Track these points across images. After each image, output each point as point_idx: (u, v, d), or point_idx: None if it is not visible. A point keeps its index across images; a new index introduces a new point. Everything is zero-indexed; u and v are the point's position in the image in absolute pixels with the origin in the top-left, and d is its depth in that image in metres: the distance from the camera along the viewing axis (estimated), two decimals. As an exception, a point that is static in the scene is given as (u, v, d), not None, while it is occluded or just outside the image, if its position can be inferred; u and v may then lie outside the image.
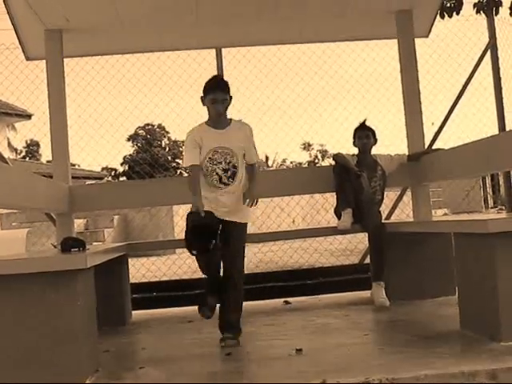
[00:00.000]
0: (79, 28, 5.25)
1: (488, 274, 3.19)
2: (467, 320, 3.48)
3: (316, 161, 41.29)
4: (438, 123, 6.72)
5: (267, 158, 33.92)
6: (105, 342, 3.75)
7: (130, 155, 37.26)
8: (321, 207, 10.64)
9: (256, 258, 9.61)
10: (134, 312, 5.06)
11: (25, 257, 3.45)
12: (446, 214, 15.42)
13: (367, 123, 5.15)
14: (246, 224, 3.85)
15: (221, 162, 3.76)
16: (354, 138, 5.13)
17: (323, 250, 9.22)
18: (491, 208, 18.20)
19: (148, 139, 39.77)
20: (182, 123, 7.52)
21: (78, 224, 14.51)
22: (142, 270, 7.87)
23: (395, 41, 5.57)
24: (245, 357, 3.42)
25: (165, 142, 40.95)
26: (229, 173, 3.77)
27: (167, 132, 39.44)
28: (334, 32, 5.93)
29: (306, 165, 34.91)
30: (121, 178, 36.59)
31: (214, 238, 3.60)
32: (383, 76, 7.44)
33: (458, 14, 5.73)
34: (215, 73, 6.05)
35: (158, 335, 4.28)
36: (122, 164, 37.52)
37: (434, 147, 6.29)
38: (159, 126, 38.86)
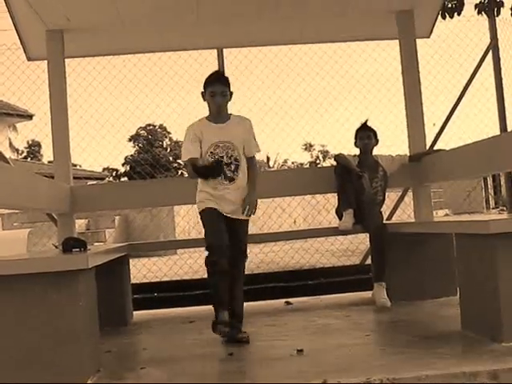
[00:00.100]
0: (80, 28, 5.25)
1: (489, 274, 3.19)
2: (468, 320, 3.48)
3: (317, 161, 41.29)
4: (440, 124, 6.73)
5: (268, 158, 33.95)
6: (106, 343, 3.75)
7: (131, 156, 37.27)
8: (322, 208, 10.63)
9: (257, 258, 9.61)
10: (135, 312, 5.06)
11: (26, 257, 3.45)
12: (447, 215, 15.41)
13: (369, 124, 5.14)
14: (248, 219, 3.89)
15: (222, 156, 3.77)
16: (356, 138, 5.13)
17: (324, 251, 9.22)
18: (492, 209, 18.18)
19: (149, 140, 39.76)
20: (183, 123, 7.49)
21: (80, 224, 14.53)
22: (143, 270, 7.88)
23: (396, 41, 5.56)
24: (246, 357, 3.42)
25: (166, 142, 40.94)
26: (232, 166, 3.78)
27: (168, 132, 39.45)
28: (335, 32, 5.93)
29: (308, 165, 34.93)
30: (122, 179, 36.59)
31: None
32: (384, 76, 7.45)
33: (459, 14, 5.73)
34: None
35: (160, 335, 4.28)
36: (123, 164, 37.53)
37: (435, 148, 6.29)
38: (160, 126, 38.86)
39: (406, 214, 7.84)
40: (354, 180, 4.83)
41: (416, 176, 5.27)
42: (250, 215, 3.81)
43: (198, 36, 5.68)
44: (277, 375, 2.87)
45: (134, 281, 5.51)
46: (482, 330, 3.27)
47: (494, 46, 6.75)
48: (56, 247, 4.20)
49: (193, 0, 5.08)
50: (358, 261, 6.98)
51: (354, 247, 8.75)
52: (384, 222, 5.15)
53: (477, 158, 4.30)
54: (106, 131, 8.12)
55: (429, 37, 5.98)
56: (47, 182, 4.68)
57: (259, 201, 3.94)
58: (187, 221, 13.54)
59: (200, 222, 3.83)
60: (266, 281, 6.04)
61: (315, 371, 2.83)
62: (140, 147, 39.07)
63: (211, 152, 3.76)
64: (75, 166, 16.93)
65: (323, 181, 5.18)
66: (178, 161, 37.43)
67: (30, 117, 17.25)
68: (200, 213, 3.82)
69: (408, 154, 5.40)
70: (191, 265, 8.52)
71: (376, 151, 5.16)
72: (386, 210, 5.51)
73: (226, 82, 3.87)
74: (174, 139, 39.11)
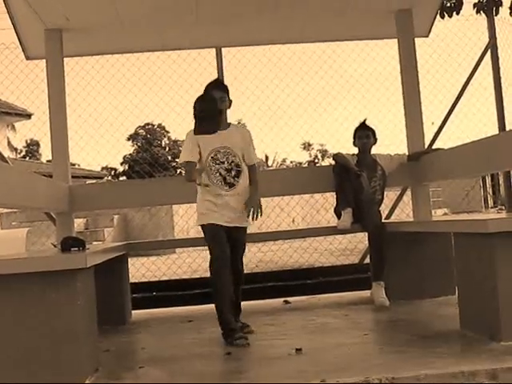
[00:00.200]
0: (79, 27, 5.25)
1: (488, 273, 3.19)
2: (467, 320, 3.48)
3: (316, 160, 41.29)
4: (438, 123, 6.72)
5: (267, 157, 33.94)
6: (105, 342, 3.76)
7: (129, 155, 37.25)
8: (321, 207, 10.65)
9: (256, 257, 9.62)
10: (133, 311, 5.06)
11: (25, 256, 3.45)
12: (445, 214, 15.42)
13: (367, 123, 5.15)
14: (246, 229, 3.95)
15: (223, 162, 3.79)
16: (354, 137, 5.13)
17: (323, 250, 9.22)
18: (491, 208, 18.20)
19: (148, 139, 39.76)
20: (182, 123, 7.53)
21: (78, 223, 14.51)
22: (141, 269, 7.88)
23: (395, 40, 5.57)
24: (245, 356, 3.42)
25: (165, 141, 40.94)
26: (233, 172, 3.81)
27: (167, 131, 39.46)
28: (335, 31, 5.93)
29: (306, 164, 34.91)
30: (121, 178, 36.58)
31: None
32: (383, 75, 7.45)
33: (458, 13, 5.73)
34: (215, 72, 6.07)
35: (158, 335, 4.28)
36: (121, 163, 37.53)
37: (433, 147, 6.29)
38: (159, 125, 38.87)
39: (404, 213, 7.83)
40: (353, 179, 4.83)
41: (414, 175, 5.27)
42: (256, 218, 3.82)
43: (197, 35, 5.68)
44: (275, 374, 2.87)
45: (132, 280, 5.50)
46: (480, 329, 3.27)
47: (492, 46, 6.75)
48: (55, 246, 4.19)
49: (192, 0, 5.08)
50: (356, 260, 6.99)
51: (352, 246, 8.75)
52: (383, 221, 5.15)
53: (475, 157, 4.30)
54: (105, 130, 8.14)
55: (427, 36, 5.98)
56: (46, 181, 4.68)
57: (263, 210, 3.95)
58: (186, 220, 13.52)
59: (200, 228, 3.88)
60: (264, 280, 6.04)
61: (314, 370, 2.83)
62: (139, 146, 39.07)
63: (212, 157, 3.79)
64: (74, 165, 16.93)
65: (322, 180, 5.18)
66: (177, 160, 37.48)
67: (28, 116, 17.24)
68: (202, 227, 3.85)
69: (407, 153, 5.40)
70: (190, 264, 8.53)
71: (374, 150, 5.16)
72: (384, 209, 5.52)
73: (224, 88, 3.94)
74: (173, 138, 39.14)
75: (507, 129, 6.66)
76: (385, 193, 5.18)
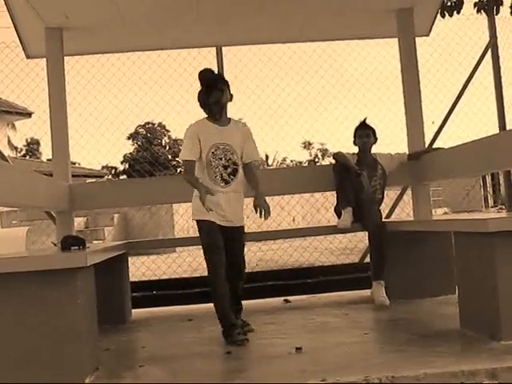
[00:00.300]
0: (79, 26, 5.25)
1: (488, 272, 3.19)
2: (467, 319, 3.48)
3: (316, 160, 41.31)
4: (439, 122, 6.72)
5: (267, 156, 33.94)
6: (105, 340, 3.76)
7: (130, 154, 37.23)
8: (321, 206, 10.64)
9: (256, 256, 9.61)
10: (133, 310, 5.06)
11: (25, 255, 3.45)
12: (446, 213, 15.42)
13: (367, 122, 5.14)
14: (243, 226, 3.94)
15: (221, 159, 3.80)
16: (355, 136, 5.13)
17: (323, 249, 9.22)
18: (491, 207, 18.21)
19: (148, 138, 39.76)
20: (182, 122, 7.51)
21: (78, 222, 14.50)
22: (142, 268, 7.88)
23: (396, 39, 5.57)
24: (245, 355, 3.42)
25: (165, 140, 40.95)
26: (228, 170, 3.81)
27: (167, 130, 39.46)
28: (335, 30, 5.92)
29: (307, 164, 34.93)
30: (121, 177, 36.58)
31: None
32: (384, 75, 7.45)
33: (458, 13, 5.71)
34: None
35: (158, 333, 4.28)
36: (122, 162, 37.52)
37: (434, 146, 6.29)
38: (159, 124, 38.87)
39: (404, 212, 7.84)
40: (353, 178, 4.83)
41: (415, 174, 5.27)
42: (266, 217, 3.82)
43: (197, 34, 5.68)
44: (275, 373, 2.87)
45: (132, 279, 5.50)
46: (480, 329, 3.27)
47: (493, 45, 6.75)
48: (55, 245, 4.19)
49: (192, -2, 5.09)
50: (356, 259, 6.99)
51: (352, 245, 8.75)
52: (383, 220, 5.15)
53: (476, 156, 4.30)
54: (105, 129, 8.13)
55: (428, 35, 5.99)
56: (46, 180, 4.68)
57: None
58: (186, 219, 13.51)
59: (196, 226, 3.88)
60: (264, 279, 6.03)
61: (314, 369, 2.83)
62: (139, 145, 39.07)
63: (213, 152, 3.79)
64: (74, 163, 16.92)
65: (322, 179, 5.18)
66: (177, 159, 37.46)
67: (28, 115, 17.22)
68: (197, 222, 3.85)
69: (407, 153, 5.40)
70: (190, 263, 8.52)
71: (375, 149, 5.16)
72: (384, 208, 5.52)
73: (224, 81, 3.94)
74: (173, 137, 39.15)
75: (507, 128, 6.65)
76: (385, 192, 5.18)
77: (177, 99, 7.86)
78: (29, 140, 36.16)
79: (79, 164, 18.91)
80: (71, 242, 3.52)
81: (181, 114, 7.79)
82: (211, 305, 3.79)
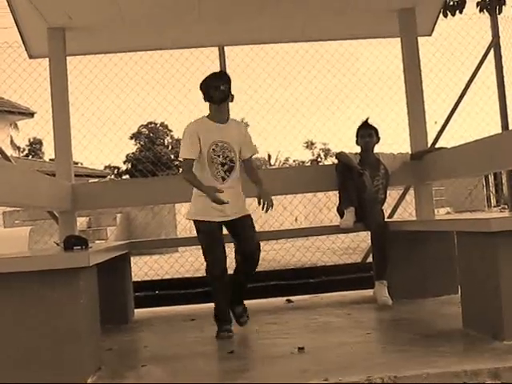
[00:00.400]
0: (82, 26, 5.26)
1: (491, 272, 3.19)
2: (470, 319, 3.48)
3: (319, 159, 41.28)
4: (441, 122, 6.71)
5: (270, 156, 33.97)
6: (107, 340, 3.76)
7: (132, 153, 37.27)
8: (323, 206, 10.62)
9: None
10: (136, 310, 5.06)
11: (27, 255, 3.45)
12: (448, 213, 15.40)
13: (370, 121, 5.14)
14: (249, 214, 3.95)
15: (219, 156, 3.85)
16: (357, 136, 5.13)
17: (326, 249, 9.21)
18: (494, 207, 18.20)
19: (151, 137, 39.77)
20: (184, 121, 7.45)
21: (81, 222, 14.52)
22: (144, 268, 7.87)
23: (398, 39, 5.56)
24: (247, 355, 3.42)
25: (168, 140, 40.95)
26: (225, 167, 3.85)
27: (170, 130, 39.46)
28: (337, 30, 5.92)
29: (309, 163, 34.92)
30: (123, 177, 36.61)
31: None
32: (386, 74, 7.44)
33: (461, 12, 5.71)
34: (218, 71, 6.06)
35: (161, 333, 4.29)
36: (124, 162, 37.56)
37: (436, 146, 6.28)
38: (162, 124, 38.88)
39: (407, 212, 7.83)
40: (356, 178, 4.83)
41: (417, 174, 5.27)
42: (268, 210, 3.83)
43: (200, 34, 5.68)
44: (278, 373, 2.87)
45: (135, 279, 5.51)
46: (483, 328, 3.27)
47: (495, 44, 6.74)
48: (57, 245, 4.20)
49: (194, -2, 5.09)
50: (359, 259, 6.98)
51: (355, 245, 8.75)
52: (385, 220, 5.14)
53: (478, 156, 4.30)
54: (108, 129, 8.12)
55: (430, 35, 5.98)
56: (48, 180, 4.69)
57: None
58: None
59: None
60: (267, 279, 6.02)
61: (316, 369, 2.83)
62: (141, 145, 39.07)
63: (213, 149, 3.82)
64: (76, 163, 16.91)
65: (325, 179, 5.18)
66: (180, 159, 37.26)
67: (31, 114, 17.22)
68: (194, 222, 3.90)
69: (410, 152, 5.40)
70: (192, 263, 8.51)
71: (377, 149, 5.16)
72: (387, 208, 5.51)
73: (227, 79, 3.93)
74: (176, 137, 39.11)
75: (510, 128, 6.64)
76: (387, 192, 5.17)
77: (179, 99, 7.86)
78: (31, 140, 36.18)
79: (82, 164, 18.94)
80: (74, 242, 3.53)
81: (183, 114, 7.79)
82: (213, 305, 3.81)
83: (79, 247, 3.48)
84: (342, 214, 4.92)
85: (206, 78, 3.89)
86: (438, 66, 7.34)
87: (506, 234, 3.08)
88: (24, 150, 35.84)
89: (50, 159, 22.75)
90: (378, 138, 5.11)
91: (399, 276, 4.77)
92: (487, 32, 6.82)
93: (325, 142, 37.47)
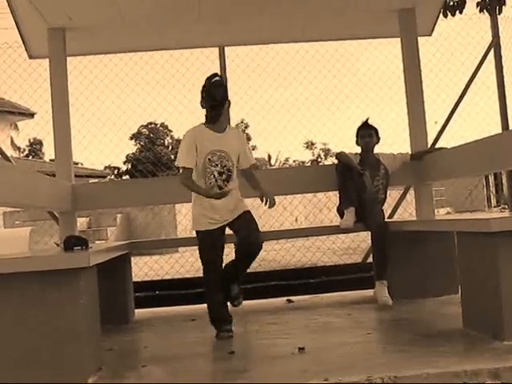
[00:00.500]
0: (82, 26, 5.26)
1: (491, 272, 3.19)
2: (470, 319, 3.48)
3: (319, 159, 41.26)
4: (441, 122, 6.71)
5: (270, 156, 33.98)
6: (108, 341, 3.76)
7: (132, 154, 37.24)
8: (323, 206, 10.62)
9: (258, 256, 9.58)
10: (136, 310, 5.06)
11: (28, 255, 3.45)
12: (448, 213, 15.40)
13: (370, 122, 5.14)
14: (248, 211, 3.95)
15: (217, 165, 3.84)
16: (357, 136, 5.13)
17: (326, 249, 9.21)
18: (494, 207, 18.20)
19: (151, 138, 39.75)
20: (184, 122, 7.53)
21: (81, 222, 14.53)
22: (144, 268, 7.87)
23: (398, 39, 5.56)
24: (248, 355, 3.42)
25: (168, 140, 40.92)
26: (223, 176, 3.86)
27: (170, 131, 39.42)
28: (337, 30, 5.92)
29: (309, 163, 34.92)
30: (124, 177, 36.59)
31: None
32: (386, 74, 7.44)
33: (461, 12, 5.70)
34: (218, 71, 6.06)
35: (161, 334, 4.29)
36: (124, 163, 37.52)
37: (436, 146, 6.28)
38: (162, 124, 38.84)
39: (407, 212, 7.82)
40: (356, 178, 4.83)
41: (418, 174, 5.27)
42: (271, 206, 3.86)
43: (199, 34, 5.68)
44: (278, 373, 2.87)
45: (135, 279, 5.51)
46: (483, 328, 3.27)
47: (495, 44, 6.74)
48: (58, 245, 4.21)
49: (194, -2, 5.09)
50: (359, 259, 6.98)
51: (355, 245, 8.75)
52: (386, 220, 5.15)
53: (478, 156, 4.30)
54: (108, 129, 8.13)
55: (430, 35, 5.99)
56: (49, 181, 4.69)
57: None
58: (189, 219, 13.47)
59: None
60: (267, 279, 6.03)
61: (316, 369, 2.83)
62: (142, 145, 39.04)
63: (209, 159, 3.82)
64: (77, 164, 16.94)
65: (325, 179, 5.19)
66: (176, 164, 37.19)
67: (31, 115, 17.23)
68: (196, 233, 3.95)
69: (410, 153, 5.40)
70: (193, 263, 8.48)
71: (377, 149, 5.16)
72: (387, 208, 5.51)
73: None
74: (176, 137, 39.08)
75: (510, 128, 6.64)
76: (388, 192, 5.17)
77: (179, 99, 7.86)
78: (31, 140, 36.17)
79: (82, 164, 18.94)
80: (74, 242, 3.53)
81: (183, 114, 7.79)
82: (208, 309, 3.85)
83: (79, 247, 3.48)
84: (342, 214, 4.93)
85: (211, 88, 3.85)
86: (438, 66, 7.35)
87: (506, 234, 3.08)
88: (24, 150, 35.86)
89: (50, 160, 22.75)
90: (378, 138, 5.11)
91: (399, 276, 4.77)
92: (487, 32, 6.82)
93: (325, 142, 37.47)
